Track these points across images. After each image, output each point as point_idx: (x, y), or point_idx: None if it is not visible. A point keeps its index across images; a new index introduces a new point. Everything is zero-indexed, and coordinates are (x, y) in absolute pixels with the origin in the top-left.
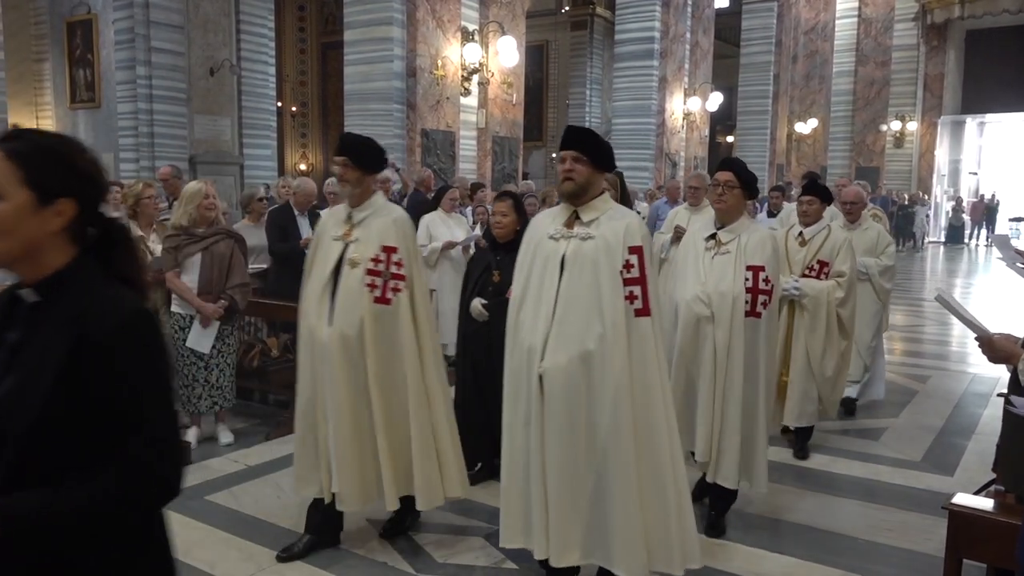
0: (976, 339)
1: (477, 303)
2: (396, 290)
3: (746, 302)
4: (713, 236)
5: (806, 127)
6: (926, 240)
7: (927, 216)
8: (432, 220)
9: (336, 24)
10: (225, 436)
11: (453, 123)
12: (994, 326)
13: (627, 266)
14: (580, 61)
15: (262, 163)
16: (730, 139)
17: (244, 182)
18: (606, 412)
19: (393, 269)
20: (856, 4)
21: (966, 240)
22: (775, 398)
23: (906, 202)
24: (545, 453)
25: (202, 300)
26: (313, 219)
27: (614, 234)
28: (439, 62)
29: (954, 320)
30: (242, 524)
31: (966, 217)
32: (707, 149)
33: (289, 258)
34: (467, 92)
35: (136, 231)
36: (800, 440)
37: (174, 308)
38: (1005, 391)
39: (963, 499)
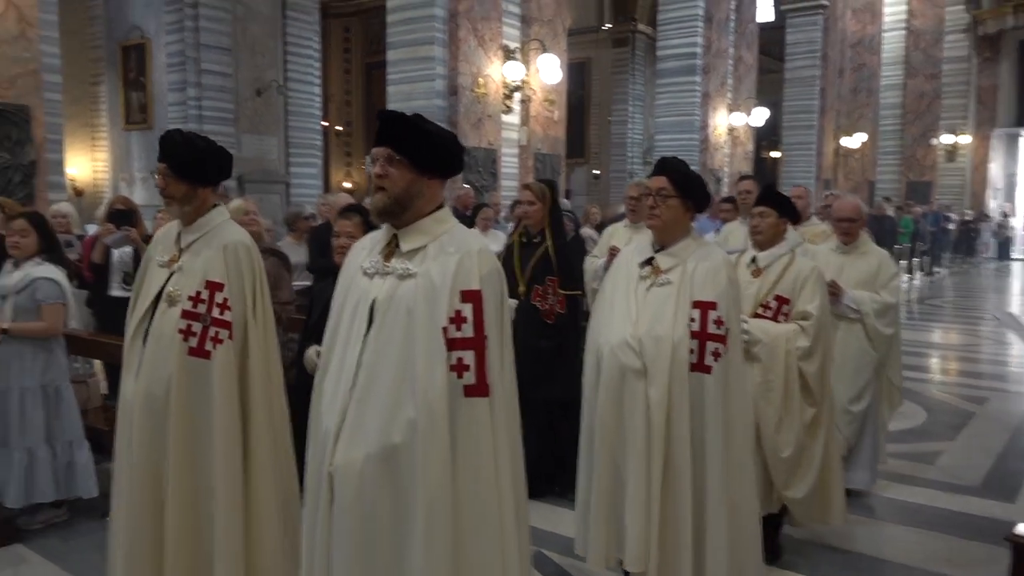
0: None
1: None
2: (217, 340)
3: (691, 351)
4: (650, 261)
5: (854, 141)
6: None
7: (992, 232)
8: None
9: (380, 44)
10: None
11: (495, 140)
12: None
13: (455, 320)
14: (622, 78)
15: (308, 181)
16: (776, 154)
17: (290, 200)
18: (417, 537)
19: (215, 312)
20: (905, 16)
21: (1020, 256)
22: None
23: (967, 218)
24: None
25: None
26: None
27: (442, 272)
28: (480, 80)
29: (1013, 339)
30: None
31: (1021, 232)
32: (752, 165)
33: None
34: (509, 110)
35: None
36: (767, 532)
37: None
38: None
39: None
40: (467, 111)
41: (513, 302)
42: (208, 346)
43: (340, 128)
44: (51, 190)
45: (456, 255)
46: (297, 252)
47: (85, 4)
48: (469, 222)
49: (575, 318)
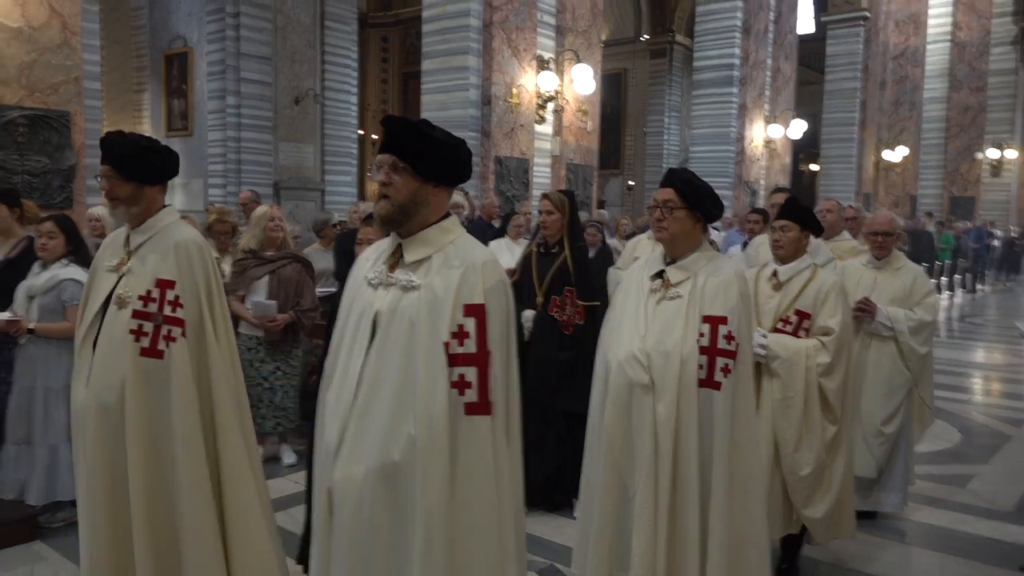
0: None
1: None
2: (170, 338)
3: (700, 366)
4: (660, 274)
5: (895, 155)
6: None
7: None
8: (498, 246)
9: (417, 55)
10: (288, 457)
11: (527, 150)
12: None
13: (458, 335)
14: (659, 89)
15: (343, 189)
16: (815, 167)
17: (325, 207)
18: (415, 555)
19: (167, 310)
20: (949, 28)
21: None
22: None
23: (1013, 234)
24: None
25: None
26: None
27: (445, 285)
28: (514, 90)
29: None
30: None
31: None
32: (789, 178)
33: None
34: (542, 120)
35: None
36: (786, 552)
37: (241, 330)
38: None
39: None
40: (500, 121)
41: (530, 312)
42: (161, 345)
43: (376, 137)
44: (90, 194)
45: (460, 268)
46: (324, 259)
47: (130, 14)
48: (495, 232)
49: (594, 329)
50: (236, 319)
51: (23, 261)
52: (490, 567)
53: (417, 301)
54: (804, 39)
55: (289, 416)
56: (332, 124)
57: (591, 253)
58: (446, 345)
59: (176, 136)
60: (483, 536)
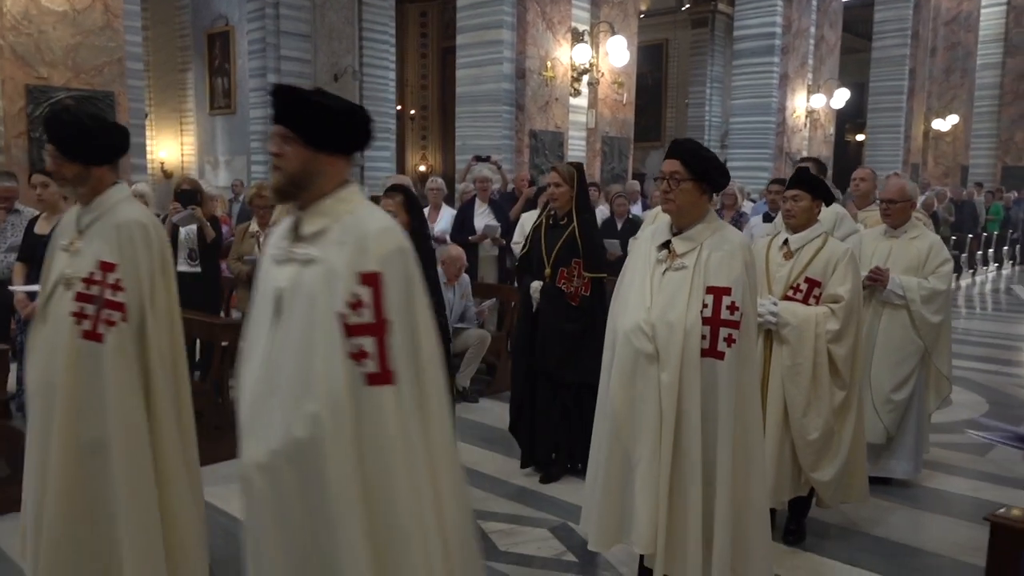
0: None
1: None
2: (109, 322)
3: (703, 336)
4: (667, 245)
5: (945, 124)
6: None
7: None
8: (529, 218)
9: (455, 29)
10: None
11: (562, 123)
12: None
13: (353, 305)
14: (700, 59)
15: (381, 164)
16: (860, 137)
17: (364, 183)
18: (332, 532)
19: (107, 294)
20: None
21: None
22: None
23: None
24: None
25: None
26: None
27: (340, 255)
28: (548, 63)
29: None
30: None
31: None
32: (832, 148)
33: None
34: (577, 93)
35: (254, 227)
36: (793, 514)
37: None
38: None
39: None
40: (535, 94)
41: (538, 284)
42: (101, 329)
43: (415, 112)
44: (134, 172)
45: (354, 236)
46: None
47: None
48: (533, 204)
49: (601, 300)
50: None
51: None
52: (412, 536)
53: (314, 275)
54: (850, 5)
55: None
56: (371, 100)
57: (619, 224)
58: (342, 316)
59: (219, 114)
60: (400, 507)
